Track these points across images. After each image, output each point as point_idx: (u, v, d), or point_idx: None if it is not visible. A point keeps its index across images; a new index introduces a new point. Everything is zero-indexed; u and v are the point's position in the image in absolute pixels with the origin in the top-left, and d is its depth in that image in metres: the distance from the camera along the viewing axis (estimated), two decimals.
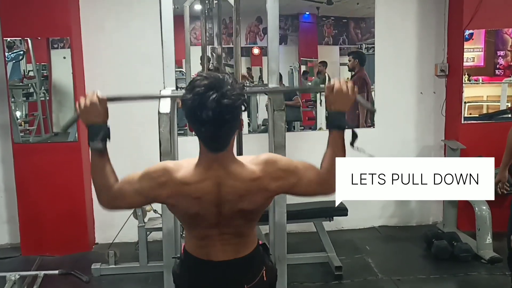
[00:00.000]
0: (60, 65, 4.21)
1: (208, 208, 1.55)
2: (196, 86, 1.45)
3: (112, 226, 4.11)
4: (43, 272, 2.76)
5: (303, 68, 5.10)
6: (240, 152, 3.11)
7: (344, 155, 1.62)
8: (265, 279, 1.69)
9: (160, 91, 2.47)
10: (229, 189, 1.53)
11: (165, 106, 2.36)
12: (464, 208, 4.38)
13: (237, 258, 1.63)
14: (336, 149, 1.61)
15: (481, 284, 3.60)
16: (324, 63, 4.91)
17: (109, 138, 1.61)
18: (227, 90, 1.43)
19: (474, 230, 4.04)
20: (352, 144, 1.66)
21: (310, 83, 5.63)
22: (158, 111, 2.35)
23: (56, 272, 2.70)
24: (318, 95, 5.22)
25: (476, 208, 4.01)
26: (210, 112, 1.41)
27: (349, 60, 4.82)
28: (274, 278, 1.79)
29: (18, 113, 4.31)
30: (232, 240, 1.62)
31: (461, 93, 4.48)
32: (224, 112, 1.42)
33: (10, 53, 4.19)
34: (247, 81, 4.91)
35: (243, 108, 1.50)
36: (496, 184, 3.04)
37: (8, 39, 4.14)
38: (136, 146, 4.32)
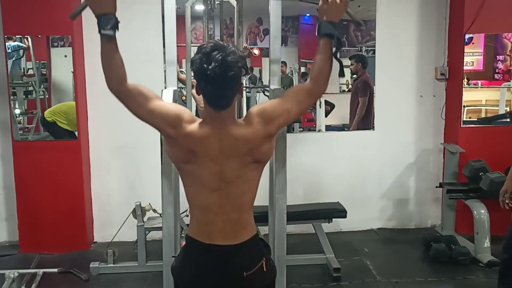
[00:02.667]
0: (60, 63, 4.22)
1: (208, 167, 1.65)
2: (203, 48, 1.61)
3: (111, 225, 4.12)
4: (42, 270, 2.75)
5: (302, 69, 5.12)
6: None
7: (331, 61, 1.79)
8: (265, 270, 1.73)
9: (162, 90, 2.47)
10: (232, 148, 1.65)
11: (168, 101, 2.36)
12: (462, 212, 4.39)
13: (237, 244, 1.69)
14: (324, 56, 1.77)
15: None
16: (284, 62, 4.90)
17: (118, 28, 1.67)
18: (230, 52, 1.59)
19: (472, 233, 4.05)
20: (335, 54, 1.80)
21: None
22: None
23: (55, 270, 2.69)
24: None
25: (475, 212, 4.02)
26: (216, 68, 1.55)
27: (352, 64, 4.84)
28: (274, 275, 1.82)
29: (17, 111, 4.31)
30: (231, 216, 1.68)
31: (461, 97, 4.49)
32: (227, 68, 1.56)
33: (9, 47, 4.20)
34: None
35: (243, 71, 1.62)
36: (502, 194, 2.97)
37: (11, 40, 4.15)
38: (137, 146, 4.32)
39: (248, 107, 4.99)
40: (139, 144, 4.31)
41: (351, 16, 1.95)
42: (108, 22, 1.65)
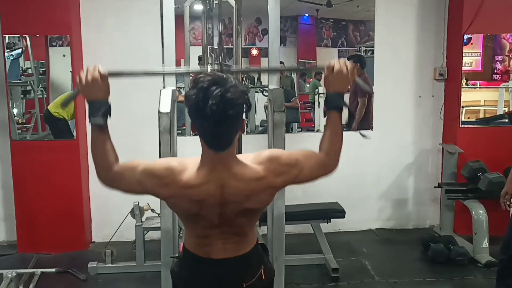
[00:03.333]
0: (58, 63, 4.21)
1: (210, 210, 1.55)
2: (200, 82, 1.45)
3: (109, 224, 4.11)
4: (40, 270, 2.75)
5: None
6: (239, 152, 3.10)
7: (341, 135, 1.69)
8: (263, 278, 1.70)
9: (161, 90, 2.47)
10: (233, 191, 1.53)
11: (165, 105, 2.36)
12: (461, 212, 4.39)
13: (236, 256, 1.64)
14: (334, 129, 1.67)
15: None
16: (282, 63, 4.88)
17: (110, 115, 1.59)
18: (230, 87, 1.43)
19: (470, 234, 4.05)
20: (349, 125, 1.72)
21: (308, 85, 5.64)
22: (158, 110, 2.35)
23: (53, 270, 2.69)
24: (316, 97, 5.24)
25: (473, 212, 4.02)
26: (214, 106, 1.39)
27: None
28: (272, 279, 1.80)
29: (15, 111, 4.30)
30: (232, 239, 1.63)
31: (459, 97, 4.48)
32: (227, 107, 1.41)
33: (9, 51, 4.19)
34: (246, 81, 4.91)
35: (245, 107, 1.48)
36: (503, 195, 2.97)
37: (7, 37, 4.14)
38: (136, 146, 4.30)
39: (250, 108, 4.97)
40: (137, 144, 4.29)
41: (361, 86, 1.92)
42: (98, 110, 1.56)
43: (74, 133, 4.18)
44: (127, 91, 3.70)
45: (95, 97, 1.57)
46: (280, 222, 2.46)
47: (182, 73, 4.36)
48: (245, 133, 4.46)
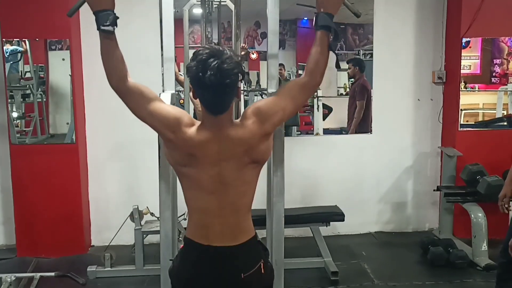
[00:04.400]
0: (58, 66, 4.21)
1: (207, 170, 1.65)
2: (199, 54, 1.60)
3: (109, 228, 4.11)
4: (39, 274, 2.74)
5: (300, 72, 5.12)
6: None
7: (327, 56, 1.77)
8: (262, 271, 1.72)
9: (160, 94, 2.47)
10: (230, 150, 1.65)
11: (165, 101, 2.35)
12: (460, 215, 4.40)
13: (235, 245, 1.69)
14: (321, 49, 1.75)
15: None
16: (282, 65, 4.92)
17: (116, 25, 1.65)
18: (226, 58, 1.58)
19: (470, 237, 4.05)
20: (332, 46, 1.77)
21: None
22: None
23: (53, 274, 2.69)
24: (315, 100, 5.23)
25: (472, 215, 4.02)
26: (212, 76, 1.54)
27: (349, 68, 4.84)
28: (271, 279, 1.82)
29: (15, 114, 4.30)
30: (230, 218, 1.69)
31: (458, 100, 4.50)
32: (224, 77, 1.56)
33: (7, 51, 4.19)
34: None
35: (240, 76, 1.62)
36: (501, 198, 2.97)
37: (9, 43, 4.15)
38: (135, 147, 4.31)
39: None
40: (137, 147, 4.31)
41: (349, 8, 1.94)
42: (106, 18, 1.64)
43: (74, 138, 4.17)
44: None
45: (102, 7, 1.65)
46: (279, 225, 2.45)
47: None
48: (241, 99, 4.44)
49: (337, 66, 1.92)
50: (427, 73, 4.70)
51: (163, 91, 2.60)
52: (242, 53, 4.73)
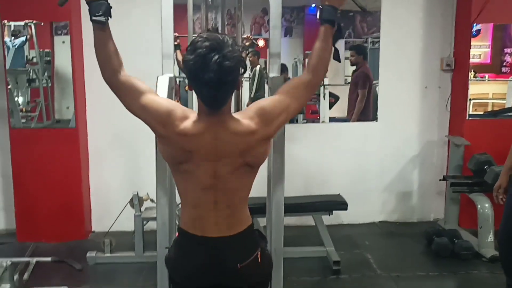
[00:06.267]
0: (63, 51, 4.15)
1: (202, 164, 1.57)
2: (198, 48, 1.47)
3: (109, 214, 4.06)
4: (35, 259, 2.71)
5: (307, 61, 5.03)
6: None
7: (331, 51, 1.71)
8: (259, 261, 1.67)
9: (158, 77, 2.40)
10: (227, 145, 1.56)
11: (162, 93, 2.29)
12: (466, 206, 4.32)
13: (230, 235, 1.63)
14: (325, 43, 1.69)
15: (482, 283, 3.54)
16: (256, 53, 4.77)
17: (110, 15, 1.60)
18: (228, 52, 1.46)
19: (476, 228, 3.98)
20: (333, 41, 1.72)
21: None
22: None
23: (49, 259, 2.65)
24: (321, 89, 5.14)
25: (479, 206, 3.94)
26: (212, 74, 1.44)
27: (352, 55, 4.77)
28: (270, 267, 1.78)
29: (21, 99, 4.25)
30: (225, 211, 1.62)
31: (466, 89, 4.39)
32: (225, 74, 1.46)
33: (13, 38, 4.14)
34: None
35: (241, 70, 1.53)
36: (496, 189, 2.96)
37: (12, 24, 4.08)
38: (136, 133, 4.25)
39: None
40: (138, 134, 4.20)
41: (355, 2, 1.86)
42: (99, 8, 1.58)
43: (74, 123, 4.12)
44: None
45: None
46: (279, 213, 2.39)
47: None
48: (240, 90, 4.37)
49: (337, 59, 1.80)
50: (435, 60, 4.59)
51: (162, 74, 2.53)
52: (247, 43, 4.64)
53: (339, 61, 1.85)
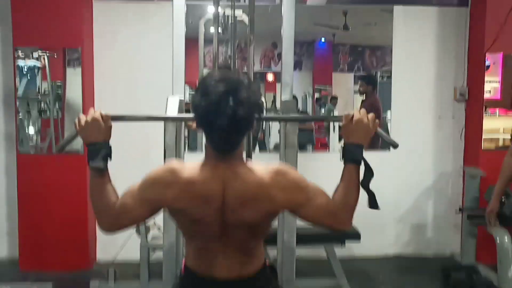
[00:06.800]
0: (75, 83, 4.17)
1: (212, 214, 1.43)
2: (210, 92, 1.33)
3: (115, 243, 3.95)
4: (35, 285, 2.61)
5: (316, 95, 5.04)
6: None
7: (358, 192, 1.51)
8: None
9: (168, 97, 2.36)
10: (234, 192, 1.42)
11: (172, 112, 2.25)
12: (484, 239, 4.15)
13: (241, 278, 1.49)
14: (350, 184, 1.50)
15: None
16: None
17: (111, 157, 1.51)
18: (244, 97, 1.33)
19: (495, 262, 3.80)
20: (364, 184, 1.54)
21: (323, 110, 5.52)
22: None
23: (50, 285, 2.55)
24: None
25: (497, 239, 3.77)
26: (225, 120, 1.32)
27: (361, 85, 4.76)
28: None
29: (31, 131, 4.23)
30: (236, 255, 1.49)
31: (481, 118, 4.32)
32: (240, 121, 1.34)
33: (25, 66, 4.16)
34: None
35: (257, 116, 1.41)
36: (488, 214, 2.87)
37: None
38: (142, 161, 4.19)
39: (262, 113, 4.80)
40: (144, 161, 4.14)
41: (384, 138, 1.73)
42: (98, 153, 1.49)
43: (82, 149, 4.07)
44: (138, 108, 3.61)
45: (95, 140, 1.51)
46: (291, 240, 2.30)
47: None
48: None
49: (374, 207, 1.61)
50: (448, 90, 4.54)
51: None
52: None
53: (378, 208, 1.62)
